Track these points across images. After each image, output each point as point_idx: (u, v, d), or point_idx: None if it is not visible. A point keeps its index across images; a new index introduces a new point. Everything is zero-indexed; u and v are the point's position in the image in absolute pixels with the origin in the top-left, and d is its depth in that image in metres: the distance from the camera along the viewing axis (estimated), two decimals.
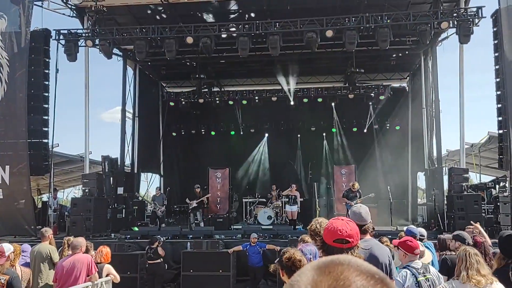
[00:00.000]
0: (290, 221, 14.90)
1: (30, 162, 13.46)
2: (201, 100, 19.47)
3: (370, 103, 18.81)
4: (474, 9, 12.56)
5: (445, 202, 13.47)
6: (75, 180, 22.95)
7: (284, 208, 15.49)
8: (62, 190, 26.35)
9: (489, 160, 18.82)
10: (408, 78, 19.67)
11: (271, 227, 14.77)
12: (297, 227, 14.46)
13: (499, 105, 12.81)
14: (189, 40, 13.51)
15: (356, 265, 0.81)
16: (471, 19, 12.36)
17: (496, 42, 12.64)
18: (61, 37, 13.69)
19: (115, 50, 15.50)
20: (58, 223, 16.12)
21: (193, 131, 20.87)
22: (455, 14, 12.84)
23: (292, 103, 18.91)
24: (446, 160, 19.86)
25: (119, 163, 16.09)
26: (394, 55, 16.92)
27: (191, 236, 13.04)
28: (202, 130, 20.80)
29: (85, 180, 14.05)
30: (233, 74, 19.95)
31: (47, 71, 13.96)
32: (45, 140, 14.01)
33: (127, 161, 17.41)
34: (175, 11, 14.67)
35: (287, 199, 15.02)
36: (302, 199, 15.92)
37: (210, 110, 20.06)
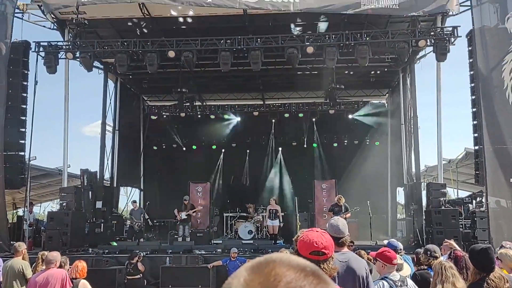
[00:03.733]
0: (271, 235, 14.84)
1: (6, 175, 13.17)
2: (182, 114, 19.44)
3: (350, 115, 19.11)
4: (450, 29, 12.94)
5: (424, 217, 13.63)
6: (52, 194, 22.50)
7: (265, 222, 15.45)
8: (39, 204, 25.79)
9: (466, 176, 19.17)
10: (387, 94, 20.01)
11: (251, 241, 14.70)
12: (278, 241, 14.42)
13: (475, 122, 13.12)
14: (171, 54, 13.55)
15: (287, 261, 0.82)
16: (447, 38, 12.71)
17: (471, 60, 13.01)
18: (41, 49, 13.57)
19: (96, 63, 15.44)
20: (33, 238, 15.74)
21: (174, 145, 20.76)
22: (432, 33, 13.18)
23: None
24: (425, 176, 20.16)
25: (98, 177, 15.88)
26: (373, 72, 17.23)
27: (170, 251, 12.89)
28: (183, 144, 20.72)
29: (62, 194, 13.79)
30: (215, 88, 20.00)
31: (25, 83, 13.79)
32: (22, 153, 13.75)
33: (107, 175, 17.20)
34: (157, 25, 14.70)
35: (268, 213, 15.00)
36: (283, 213, 15.91)
37: (191, 124, 20.02)
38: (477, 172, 13.47)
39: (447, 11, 12.55)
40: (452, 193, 22.00)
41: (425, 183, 16.10)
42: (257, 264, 0.83)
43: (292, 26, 14.40)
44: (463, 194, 19.72)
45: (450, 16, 13.03)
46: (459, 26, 12.82)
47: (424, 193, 14.71)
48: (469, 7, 12.42)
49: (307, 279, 0.80)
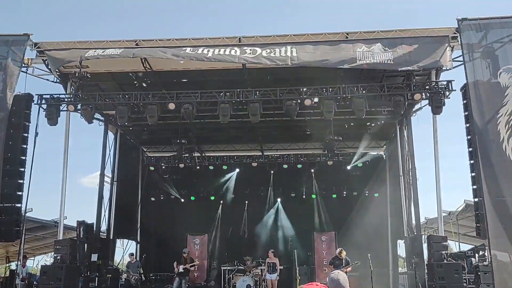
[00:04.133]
0: None
1: (1, 228, 12.96)
2: (181, 165, 19.47)
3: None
4: (445, 83, 13.23)
5: (426, 270, 13.34)
6: (47, 246, 22.10)
7: (264, 276, 15.08)
8: (33, 258, 25.28)
9: (467, 228, 18.96)
10: (385, 146, 20.16)
11: None
12: None
13: (473, 174, 13.13)
14: (171, 106, 13.76)
15: None
16: (442, 92, 12.98)
17: (466, 113, 13.20)
18: (43, 101, 13.78)
19: (97, 115, 15.63)
20: None
21: (172, 196, 20.65)
22: (427, 87, 13.46)
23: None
24: (425, 228, 19.93)
25: (94, 229, 15.65)
26: (371, 124, 17.43)
27: None
28: (182, 195, 20.59)
29: (57, 246, 13.50)
30: (214, 140, 20.16)
31: (26, 134, 13.86)
32: (18, 205, 13.59)
33: (103, 227, 16.96)
34: (158, 78, 15.04)
35: (267, 267, 14.67)
36: (282, 267, 15.57)
37: (190, 175, 20.00)
38: (477, 224, 13.31)
39: (441, 66, 12.91)
40: (453, 246, 21.66)
41: (425, 236, 15.88)
42: None
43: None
44: (465, 247, 19.43)
45: (444, 70, 13.37)
46: (453, 80, 13.12)
47: (425, 246, 14.48)
48: (462, 62, 12.77)
49: None
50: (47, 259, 23.72)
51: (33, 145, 13.83)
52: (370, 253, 14.27)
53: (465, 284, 12.78)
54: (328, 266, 13.48)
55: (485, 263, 13.32)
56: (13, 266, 18.96)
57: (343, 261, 12.72)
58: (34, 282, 15.61)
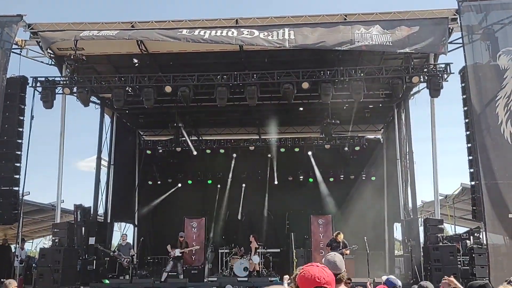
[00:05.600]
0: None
1: None
2: (178, 149, 19.40)
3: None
4: (443, 65, 13.16)
5: (422, 253, 13.45)
6: (45, 230, 22.13)
7: (249, 260, 15.26)
8: (31, 241, 25.33)
9: (463, 211, 19.06)
10: (382, 130, 20.14)
11: (247, 279, 14.39)
12: (273, 279, 14.13)
13: (470, 157, 13.15)
14: (168, 89, 13.66)
15: None
16: (440, 75, 12.91)
17: (464, 96, 13.17)
18: (38, 84, 13.65)
19: (93, 98, 15.52)
20: (24, 275, 15.38)
21: (169, 179, 20.63)
22: (425, 70, 13.39)
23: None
24: (422, 211, 20.01)
25: (92, 212, 15.67)
26: (369, 106, 17.36)
27: None
28: (179, 179, 20.58)
29: (55, 230, 13.56)
30: (211, 123, 20.08)
31: (21, 117, 13.78)
32: (16, 188, 13.57)
33: (101, 210, 16.97)
34: (154, 60, 14.89)
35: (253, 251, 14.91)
36: (279, 250, 15.72)
37: (187, 159, 19.96)
38: (474, 207, 13.39)
39: (439, 52, 12.83)
40: (449, 229, 21.81)
41: (422, 219, 15.97)
42: None
43: None
44: (461, 230, 19.55)
45: (442, 53, 13.29)
46: (452, 63, 13.06)
47: (421, 229, 14.58)
48: (461, 45, 12.68)
49: None
50: (45, 242, 23.80)
51: (29, 128, 13.77)
52: (367, 236, 14.36)
53: (459, 266, 12.89)
54: (326, 248, 13.57)
55: (479, 245, 13.42)
56: (11, 248, 19.01)
57: (341, 244, 12.81)
58: (33, 265, 15.65)
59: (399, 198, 16.67)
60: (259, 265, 15.66)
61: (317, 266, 2.74)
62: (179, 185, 20.46)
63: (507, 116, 12.04)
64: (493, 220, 11.79)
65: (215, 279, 14.66)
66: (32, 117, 13.77)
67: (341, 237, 12.90)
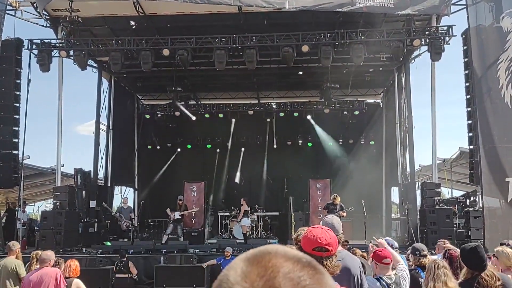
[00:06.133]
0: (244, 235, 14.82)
1: None
2: (177, 113, 19.31)
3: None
4: (445, 28, 12.95)
5: (418, 216, 13.65)
6: (46, 193, 22.36)
7: (240, 222, 15.45)
8: (33, 204, 25.66)
9: (461, 175, 19.22)
10: (382, 94, 20.02)
11: (243, 241, 14.64)
12: (272, 241, 14.39)
13: (470, 121, 13.15)
14: (166, 52, 13.47)
15: (283, 253, 0.83)
16: (442, 37, 12.72)
17: (466, 60, 13.02)
18: (34, 46, 13.45)
19: (90, 62, 15.33)
20: (27, 238, 15.66)
21: (168, 144, 20.67)
22: (427, 32, 13.19)
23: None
24: (419, 175, 20.19)
25: (92, 176, 15.78)
26: (369, 70, 17.19)
27: (164, 250, 12.82)
28: (178, 143, 20.62)
29: (56, 193, 13.70)
30: (210, 87, 19.93)
31: (18, 81, 13.65)
32: (15, 152, 13.62)
33: (101, 174, 17.09)
34: (151, 23, 14.61)
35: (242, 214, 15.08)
36: (277, 213, 15.88)
37: (186, 123, 19.91)
38: (471, 171, 13.50)
39: (441, 13, 12.58)
40: (446, 192, 22.07)
41: (419, 183, 16.12)
42: (253, 256, 0.83)
43: None
44: (458, 193, 19.79)
45: (445, 15, 13.04)
46: (454, 25, 12.86)
47: (418, 192, 14.73)
48: (464, 6, 12.43)
49: (304, 270, 0.81)
50: (46, 205, 24.11)
51: (26, 92, 13.69)
52: (364, 199, 14.54)
53: (455, 229, 13.11)
54: (323, 211, 13.75)
55: (475, 208, 13.62)
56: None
57: (338, 207, 12.96)
58: (35, 227, 15.90)
59: (397, 162, 16.76)
60: (251, 227, 15.84)
61: (321, 228, 2.81)
62: (179, 150, 20.51)
63: (508, 80, 11.94)
64: (490, 183, 11.91)
65: (215, 241, 14.93)
66: (29, 81, 13.68)
67: (338, 200, 13.05)
